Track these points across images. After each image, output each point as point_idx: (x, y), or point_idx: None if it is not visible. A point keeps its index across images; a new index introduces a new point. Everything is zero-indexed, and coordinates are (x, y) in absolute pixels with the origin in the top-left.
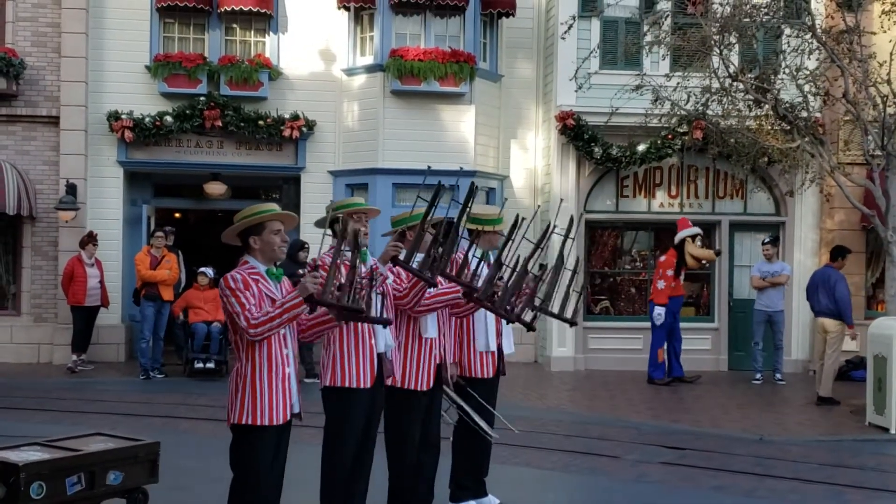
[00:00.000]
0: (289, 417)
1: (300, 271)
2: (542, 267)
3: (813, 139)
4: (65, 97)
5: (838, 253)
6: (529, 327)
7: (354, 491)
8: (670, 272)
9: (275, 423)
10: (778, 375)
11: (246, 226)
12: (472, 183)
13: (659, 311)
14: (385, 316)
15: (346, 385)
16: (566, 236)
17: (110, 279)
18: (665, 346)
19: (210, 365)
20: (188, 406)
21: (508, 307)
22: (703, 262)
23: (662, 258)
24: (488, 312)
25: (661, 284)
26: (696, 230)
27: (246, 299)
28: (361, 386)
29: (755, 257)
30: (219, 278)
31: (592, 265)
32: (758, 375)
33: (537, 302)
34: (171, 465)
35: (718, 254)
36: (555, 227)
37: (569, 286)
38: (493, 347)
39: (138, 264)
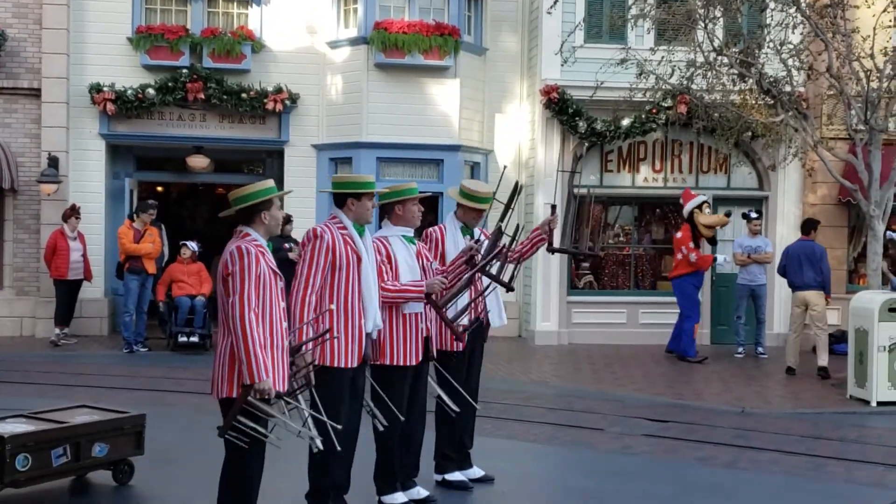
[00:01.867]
0: (286, 390)
1: (286, 245)
2: (553, 207)
3: (796, 113)
4: (46, 69)
5: (811, 225)
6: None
7: (341, 464)
8: (692, 244)
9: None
10: (760, 349)
11: (261, 200)
12: (517, 183)
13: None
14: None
15: (335, 365)
16: (572, 171)
17: (93, 252)
18: (699, 322)
19: (194, 339)
20: (172, 380)
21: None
22: (716, 227)
23: (679, 234)
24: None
25: (693, 257)
26: (702, 198)
27: (250, 279)
28: (348, 366)
29: (738, 231)
30: (203, 251)
31: (593, 248)
32: (740, 349)
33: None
34: (156, 438)
35: (729, 215)
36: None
37: (585, 220)
38: (464, 321)
39: (122, 237)
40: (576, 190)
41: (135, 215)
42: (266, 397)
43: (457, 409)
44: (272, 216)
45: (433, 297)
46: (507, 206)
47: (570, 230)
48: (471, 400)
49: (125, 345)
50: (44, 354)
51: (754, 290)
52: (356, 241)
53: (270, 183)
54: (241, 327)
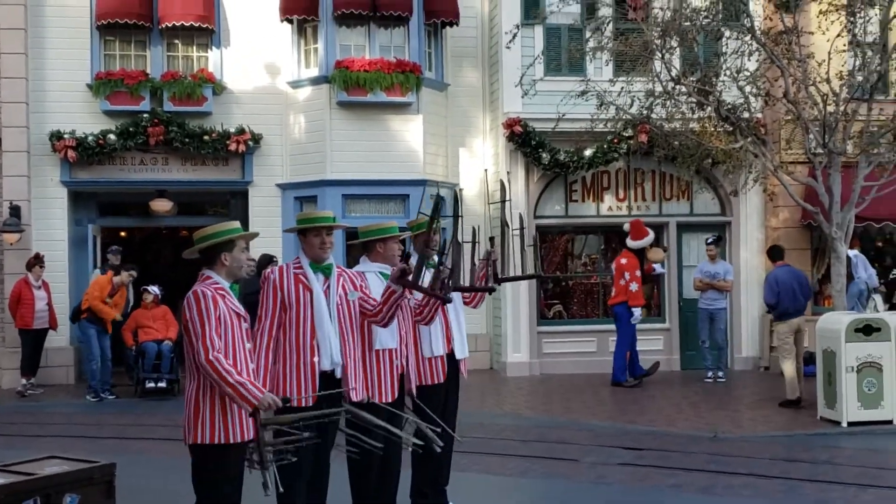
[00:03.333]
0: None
1: None
2: (492, 239)
3: (755, 139)
4: (6, 118)
5: (781, 252)
6: (490, 290)
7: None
8: (639, 273)
9: (246, 439)
10: (720, 374)
11: (219, 242)
12: (437, 194)
13: (637, 314)
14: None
15: (290, 404)
16: (502, 200)
17: (58, 301)
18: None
19: (162, 384)
20: (141, 427)
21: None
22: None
23: (624, 261)
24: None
25: (634, 286)
26: (652, 237)
27: (209, 322)
28: (302, 404)
29: (702, 257)
30: (168, 295)
31: (544, 270)
32: (708, 374)
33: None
34: (127, 487)
35: (665, 251)
36: (462, 188)
37: (522, 244)
38: (440, 352)
39: (98, 291)
40: (509, 219)
41: (113, 269)
42: (279, 405)
43: (441, 444)
44: (233, 258)
45: (406, 278)
46: (431, 221)
47: (509, 258)
48: (451, 432)
49: (92, 393)
50: (10, 405)
51: (713, 313)
52: (309, 278)
53: (233, 224)
54: (213, 368)
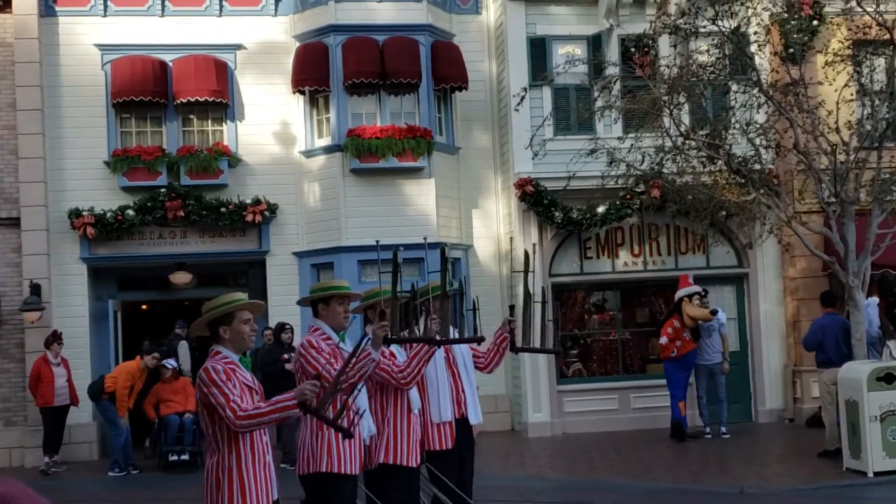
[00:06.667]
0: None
1: (285, 356)
2: (511, 308)
3: (768, 191)
4: (24, 198)
5: (835, 298)
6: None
7: None
8: (670, 329)
9: None
10: (723, 429)
11: (215, 317)
12: (442, 248)
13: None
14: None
15: (341, 472)
16: (525, 271)
17: (78, 377)
18: (685, 401)
19: (185, 457)
20: (166, 501)
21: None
22: (699, 321)
23: (677, 323)
24: (441, 383)
25: (674, 353)
26: (695, 289)
27: (230, 390)
28: (352, 472)
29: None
30: (181, 367)
31: (562, 328)
32: (707, 429)
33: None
34: None
35: (714, 313)
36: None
37: (542, 318)
38: (448, 418)
39: (126, 378)
40: (531, 288)
41: (145, 356)
42: (316, 385)
43: None
44: (232, 330)
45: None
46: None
47: (530, 328)
48: (466, 497)
49: (118, 468)
50: (35, 485)
51: (711, 368)
52: (341, 347)
53: (232, 296)
54: (249, 422)
